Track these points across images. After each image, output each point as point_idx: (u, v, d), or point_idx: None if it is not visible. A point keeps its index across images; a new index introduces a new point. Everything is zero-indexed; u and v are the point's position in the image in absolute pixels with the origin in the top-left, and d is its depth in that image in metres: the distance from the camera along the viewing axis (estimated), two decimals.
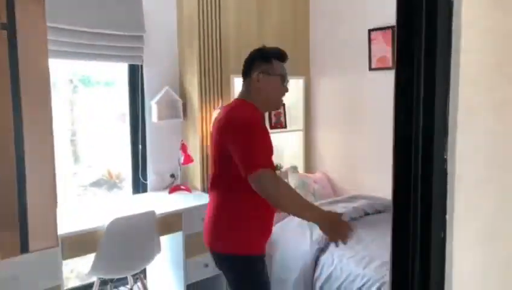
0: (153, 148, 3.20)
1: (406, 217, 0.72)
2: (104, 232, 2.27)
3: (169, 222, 2.66)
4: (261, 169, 1.49)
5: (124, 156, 3.21)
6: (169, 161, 3.25)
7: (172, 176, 3.29)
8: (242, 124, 1.59)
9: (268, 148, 1.64)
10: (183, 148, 3.09)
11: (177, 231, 2.72)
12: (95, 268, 2.30)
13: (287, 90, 1.78)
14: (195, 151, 3.15)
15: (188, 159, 3.06)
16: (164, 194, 3.11)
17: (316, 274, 2.55)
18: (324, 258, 2.57)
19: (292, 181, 3.41)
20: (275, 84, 1.72)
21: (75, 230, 2.28)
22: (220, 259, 1.75)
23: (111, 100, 3.32)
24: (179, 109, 3.12)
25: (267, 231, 1.79)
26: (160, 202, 2.85)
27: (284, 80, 1.75)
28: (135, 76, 3.13)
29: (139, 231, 2.41)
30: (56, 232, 1.15)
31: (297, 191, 3.30)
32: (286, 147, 4.06)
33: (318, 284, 2.51)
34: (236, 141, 1.58)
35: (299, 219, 2.86)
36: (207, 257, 2.81)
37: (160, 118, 3.03)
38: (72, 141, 3.23)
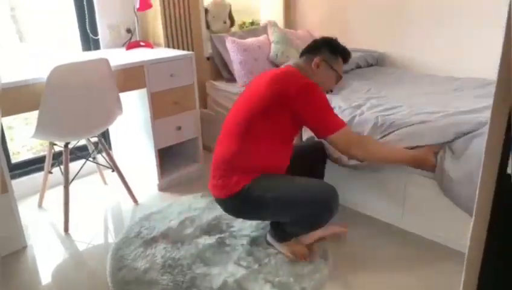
0: None
1: None
2: (45, 84, 1.79)
3: (130, 77, 2.19)
4: (344, 127, 1.63)
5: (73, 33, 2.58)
6: (123, 10, 2.64)
7: (129, 31, 2.71)
8: (314, 87, 1.61)
9: None
10: None
11: (140, 88, 2.27)
12: (39, 128, 1.87)
13: (331, 90, 1.84)
14: None
15: (145, 4, 2.47)
16: (120, 51, 2.58)
17: None
18: None
19: (273, 36, 2.93)
20: (330, 78, 1.78)
21: (8, 81, 1.80)
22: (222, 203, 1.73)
23: None
24: None
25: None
26: (116, 57, 2.32)
27: (338, 80, 1.82)
28: None
29: (91, 84, 1.94)
30: None
31: (279, 46, 2.92)
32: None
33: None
34: (312, 102, 1.61)
35: None
36: (179, 118, 2.45)
37: None
38: (12, 16, 2.58)
